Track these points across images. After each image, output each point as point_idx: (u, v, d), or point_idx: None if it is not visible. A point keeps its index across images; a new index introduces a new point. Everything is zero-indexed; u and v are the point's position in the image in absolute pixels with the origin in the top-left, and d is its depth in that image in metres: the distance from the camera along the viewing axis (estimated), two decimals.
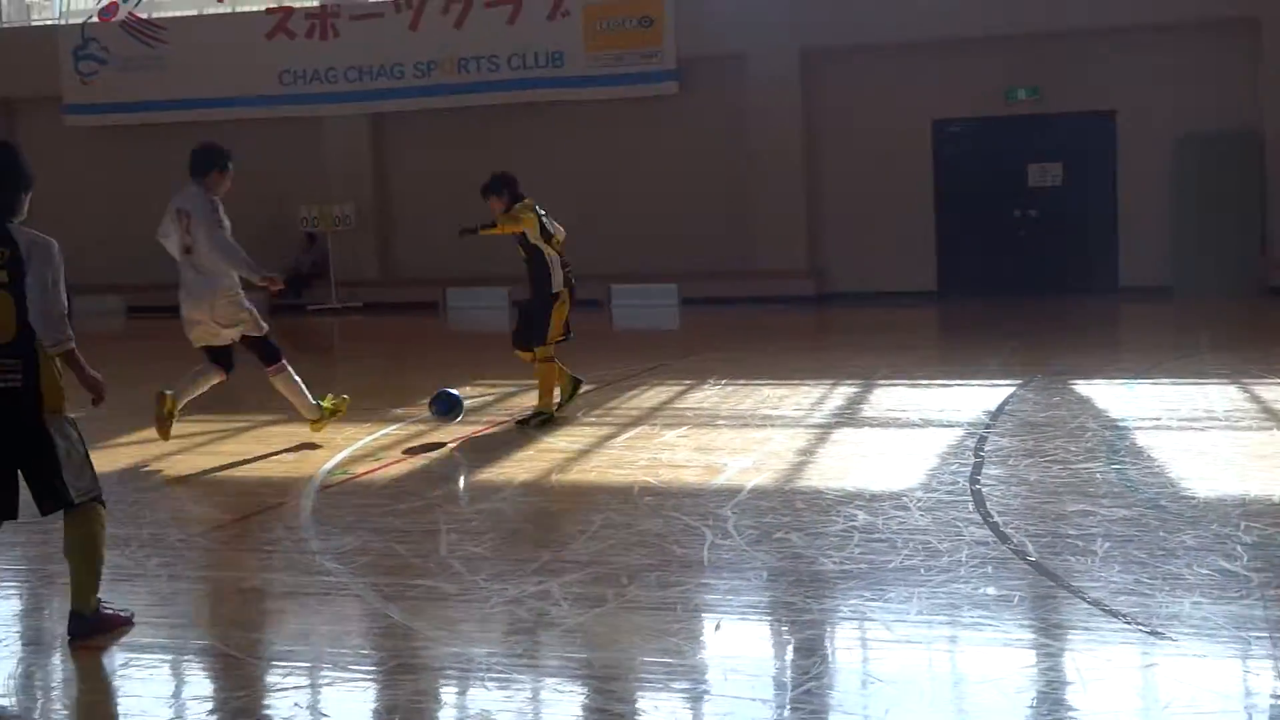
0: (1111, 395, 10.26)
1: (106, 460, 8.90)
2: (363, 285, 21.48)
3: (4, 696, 4.80)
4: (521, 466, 8.25)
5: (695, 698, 4.52)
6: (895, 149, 19.60)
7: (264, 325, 9.18)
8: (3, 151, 5.39)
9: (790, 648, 5.02)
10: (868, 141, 19.69)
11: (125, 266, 22.11)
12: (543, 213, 9.77)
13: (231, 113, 21.57)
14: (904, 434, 9.05)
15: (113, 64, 22.28)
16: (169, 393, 9.03)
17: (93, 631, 5.23)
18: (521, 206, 9.70)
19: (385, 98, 21.46)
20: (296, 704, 4.57)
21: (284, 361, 9.25)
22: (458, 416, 9.44)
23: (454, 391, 9.54)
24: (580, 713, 4.46)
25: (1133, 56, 18.66)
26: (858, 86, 19.81)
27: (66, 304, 5.21)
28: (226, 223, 8.91)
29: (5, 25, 23.49)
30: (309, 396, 9.32)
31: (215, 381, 9.22)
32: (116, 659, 5.08)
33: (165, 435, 9.04)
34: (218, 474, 8.45)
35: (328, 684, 4.80)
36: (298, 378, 9.28)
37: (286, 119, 21.50)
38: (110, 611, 5.36)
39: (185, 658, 5.16)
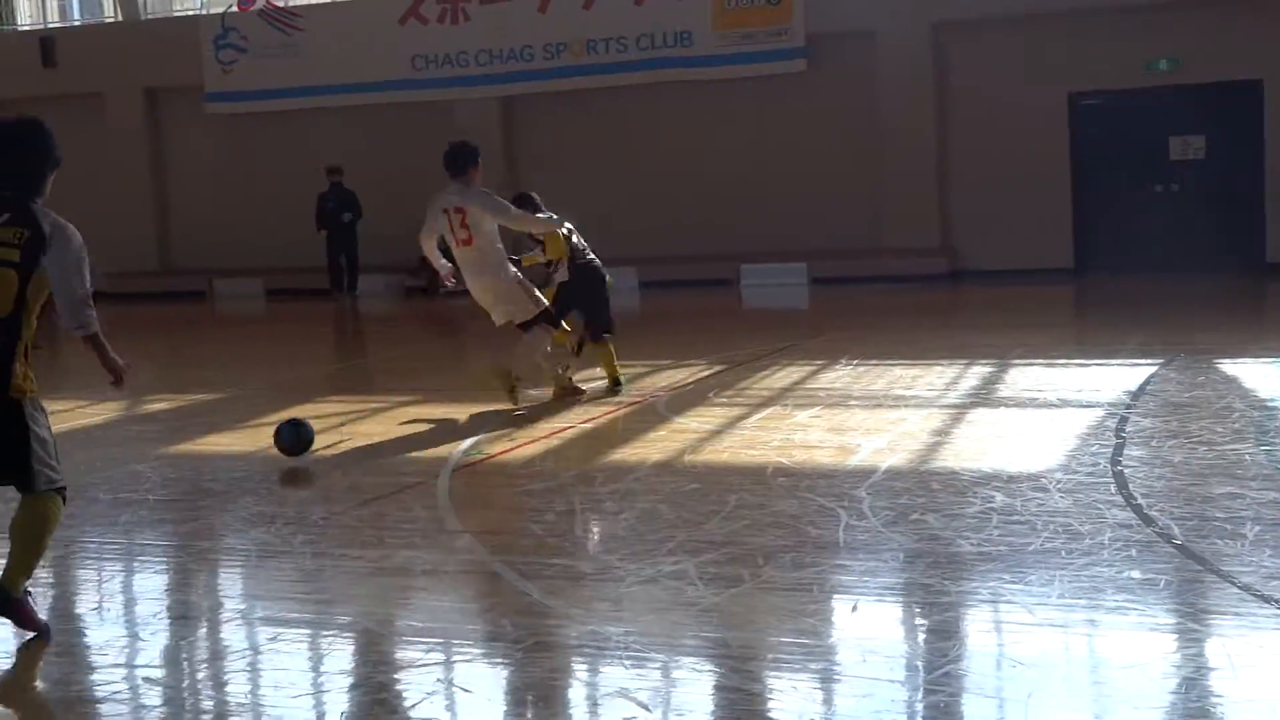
0: (1259, 374, 9.97)
1: (250, 440, 9.14)
2: None
3: (155, 669, 4.96)
4: (655, 447, 8.27)
5: (831, 679, 4.50)
6: (1030, 123, 19.18)
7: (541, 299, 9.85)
8: (30, 127, 5.21)
9: (927, 630, 4.96)
10: (1001, 116, 19.29)
11: (263, 250, 22.65)
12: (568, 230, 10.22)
13: (365, 98, 22.01)
14: (1041, 414, 8.88)
15: (251, 52, 22.79)
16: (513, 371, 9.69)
17: (7, 613, 5.09)
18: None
19: (515, 81, 21.61)
20: (438, 679, 4.64)
21: (553, 331, 9.88)
22: (304, 449, 8.34)
23: (303, 424, 8.45)
24: (715, 693, 4.46)
25: (1278, 22, 18.03)
26: (990, 60, 19.43)
27: (89, 289, 5.13)
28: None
29: (148, 17, 24.14)
30: (530, 364, 9.77)
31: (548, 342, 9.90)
32: (263, 634, 5.21)
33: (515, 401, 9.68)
34: (357, 454, 8.61)
35: (466, 661, 4.88)
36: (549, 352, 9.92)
37: (418, 103, 21.75)
38: (32, 607, 5.16)
39: (328, 633, 5.27)
